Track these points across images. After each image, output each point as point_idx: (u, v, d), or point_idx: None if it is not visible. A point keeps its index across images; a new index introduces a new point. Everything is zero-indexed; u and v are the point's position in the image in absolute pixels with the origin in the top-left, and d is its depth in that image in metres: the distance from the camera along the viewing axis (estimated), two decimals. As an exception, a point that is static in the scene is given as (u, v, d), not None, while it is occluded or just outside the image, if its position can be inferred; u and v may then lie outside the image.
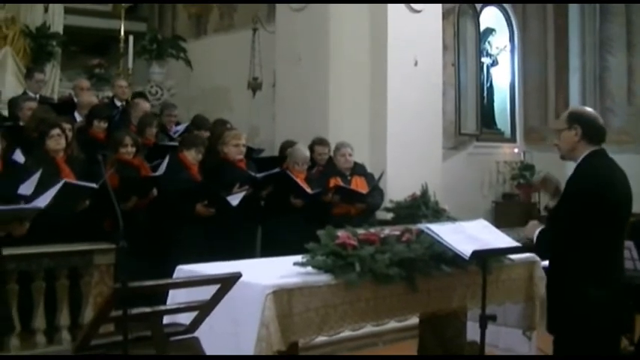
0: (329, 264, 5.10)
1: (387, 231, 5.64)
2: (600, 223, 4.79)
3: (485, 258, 5.50)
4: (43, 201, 5.62)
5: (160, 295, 5.10)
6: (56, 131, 8.00)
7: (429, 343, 6.84)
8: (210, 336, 4.54)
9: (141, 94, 11.93)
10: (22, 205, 5.53)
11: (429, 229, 5.52)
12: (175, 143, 9.34)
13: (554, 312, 5.01)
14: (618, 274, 5.02)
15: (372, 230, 5.57)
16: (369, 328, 5.54)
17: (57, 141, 7.99)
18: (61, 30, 13.80)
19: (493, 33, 15.49)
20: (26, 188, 7.41)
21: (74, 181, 7.64)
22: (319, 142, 10.10)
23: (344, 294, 5.10)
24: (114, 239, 7.16)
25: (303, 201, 9.06)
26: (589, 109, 5.28)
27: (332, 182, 9.41)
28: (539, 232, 4.98)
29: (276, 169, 9.13)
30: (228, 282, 4.08)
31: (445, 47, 12.93)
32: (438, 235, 5.44)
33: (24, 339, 7.38)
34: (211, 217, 8.45)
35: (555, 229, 4.92)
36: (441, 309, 5.92)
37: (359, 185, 9.51)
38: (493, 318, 5.51)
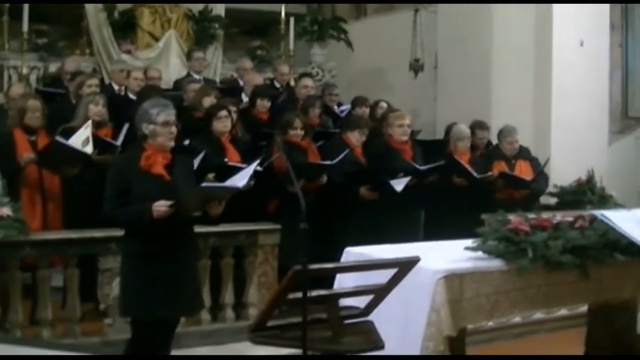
0: (501, 249, 5.05)
1: (558, 217, 5.52)
2: None
3: (662, 248, 5.31)
4: (240, 180, 5.62)
5: (327, 277, 5.12)
6: (223, 113, 8.12)
7: (598, 333, 6.63)
8: (379, 319, 4.55)
9: (307, 75, 11.96)
10: (224, 184, 5.59)
11: (604, 216, 5.37)
12: (336, 130, 9.39)
13: None
14: None
15: (544, 216, 5.45)
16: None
17: (224, 123, 8.11)
18: (222, 13, 14.01)
19: (664, 11, 14.91)
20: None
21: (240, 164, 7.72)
22: (479, 125, 9.95)
23: (515, 280, 5.03)
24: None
25: (467, 181, 8.95)
26: None
27: (496, 167, 9.25)
28: None
29: (441, 162, 8.92)
30: (406, 266, 4.06)
31: (612, 27, 12.54)
32: (613, 223, 5.28)
33: (188, 315, 7.58)
34: (375, 199, 8.43)
35: None
36: (613, 298, 5.77)
37: (523, 169, 9.32)
38: (668, 310, 5.33)
